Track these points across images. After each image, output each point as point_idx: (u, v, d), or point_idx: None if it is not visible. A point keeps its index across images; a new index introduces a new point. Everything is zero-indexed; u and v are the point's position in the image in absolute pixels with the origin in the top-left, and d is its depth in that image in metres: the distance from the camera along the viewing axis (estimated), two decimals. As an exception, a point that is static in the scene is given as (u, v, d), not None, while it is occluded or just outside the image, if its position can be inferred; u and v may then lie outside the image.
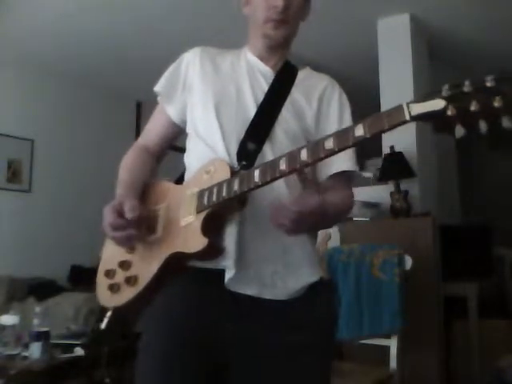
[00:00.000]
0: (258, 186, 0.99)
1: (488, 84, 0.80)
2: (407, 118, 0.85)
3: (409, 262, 2.47)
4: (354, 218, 3.11)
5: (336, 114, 1.23)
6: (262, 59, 1.25)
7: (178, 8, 3.39)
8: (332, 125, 1.20)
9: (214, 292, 1.07)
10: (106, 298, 1.14)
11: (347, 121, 1.23)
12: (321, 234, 2.80)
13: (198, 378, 1.05)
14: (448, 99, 0.82)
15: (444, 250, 2.98)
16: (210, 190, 1.05)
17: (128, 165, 1.31)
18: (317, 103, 1.22)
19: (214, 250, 1.03)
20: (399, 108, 0.86)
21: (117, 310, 1.13)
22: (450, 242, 3.16)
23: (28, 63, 4.21)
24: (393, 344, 2.34)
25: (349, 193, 1.24)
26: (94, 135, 4.82)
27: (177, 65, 1.31)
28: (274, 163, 0.97)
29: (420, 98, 0.85)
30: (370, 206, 3.17)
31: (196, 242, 1.02)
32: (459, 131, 0.82)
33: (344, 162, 1.20)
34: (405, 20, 3.55)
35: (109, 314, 1.14)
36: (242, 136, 1.13)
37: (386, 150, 3.28)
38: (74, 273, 4.23)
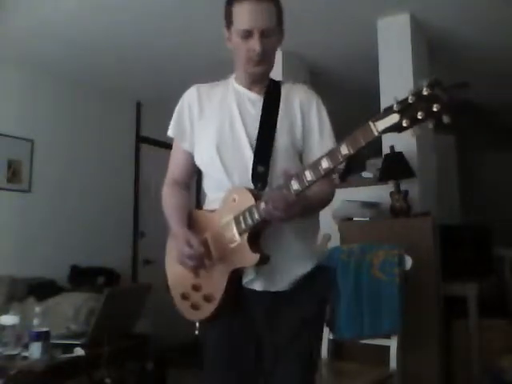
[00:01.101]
0: (266, 215, 1.26)
1: (424, 93, 1.02)
2: (376, 133, 1.09)
3: (409, 262, 2.47)
4: (354, 218, 3.11)
5: (316, 122, 1.44)
6: (248, 88, 1.46)
7: (178, 8, 3.38)
8: (315, 132, 1.43)
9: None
10: (192, 315, 1.44)
11: (326, 126, 1.45)
12: (321, 234, 2.80)
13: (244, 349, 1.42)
14: (400, 112, 1.06)
15: (444, 250, 2.98)
16: (243, 215, 1.32)
17: (173, 202, 1.53)
18: (300, 115, 1.43)
19: (264, 259, 1.31)
20: (367, 126, 1.10)
21: (202, 322, 1.44)
22: (450, 242, 3.16)
23: (28, 63, 4.21)
24: (393, 344, 2.35)
25: (329, 182, 1.44)
26: (94, 135, 4.82)
27: (180, 108, 1.52)
28: (287, 185, 1.23)
29: (379, 116, 1.08)
30: (369, 206, 3.17)
31: (250, 257, 1.31)
32: (416, 131, 1.08)
33: (323, 147, 1.35)
34: (405, 20, 3.55)
35: (197, 324, 1.45)
36: (242, 162, 1.37)
37: (386, 150, 3.28)
38: (73, 273, 4.23)
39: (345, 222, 3.12)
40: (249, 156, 1.38)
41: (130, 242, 5.09)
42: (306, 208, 1.29)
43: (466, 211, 5.32)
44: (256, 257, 1.30)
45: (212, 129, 1.42)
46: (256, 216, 1.28)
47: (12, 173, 4.12)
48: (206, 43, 3.83)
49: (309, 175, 1.21)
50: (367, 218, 3.08)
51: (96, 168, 4.79)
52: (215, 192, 1.43)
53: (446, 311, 2.91)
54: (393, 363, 2.31)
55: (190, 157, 1.51)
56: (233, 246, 1.35)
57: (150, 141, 5.36)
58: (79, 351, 2.36)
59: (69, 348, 2.37)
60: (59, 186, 4.45)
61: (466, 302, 3.03)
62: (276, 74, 4.47)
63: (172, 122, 1.53)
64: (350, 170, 3.72)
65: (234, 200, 1.34)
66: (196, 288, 1.42)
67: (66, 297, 3.53)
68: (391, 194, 3.10)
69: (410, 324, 2.54)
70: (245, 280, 1.37)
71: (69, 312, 3.24)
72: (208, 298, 1.39)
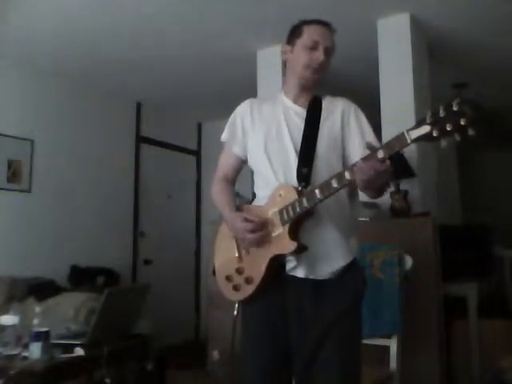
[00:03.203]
0: (320, 201, 1.44)
1: (455, 108, 1.18)
2: (409, 141, 1.27)
3: (409, 262, 2.47)
4: (354, 218, 3.10)
5: (355, 126, 1.64)
6: (295, 100, 1.69)
7: (178, 8, 3.39)
8: (355, 136, 1.62)
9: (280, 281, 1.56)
10: (233, 295, 1.64)
11: (366, 128, 1.64)
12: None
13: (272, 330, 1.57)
14: (431, 124, 1.22)
15: (444, 250, 2.98)
16: (286, 208, 1.51)
17: (224, 194, 1.74)
18: (340, 122, 1.63)
19: (301, 248, 1.48)
20: (402, 135, 1.27)
21: (242, 302, 1.64)
22: (450, 242, 3.16)
23: (28, 63, 4.21)
24: (393, 344, 2.35)
25: None
26: (94, 135, 4.82)
27: (233, 118, 1.76)
28: (328, 183, 1.42)
29: (413, 126, 1.25)
30: (369, 206, 3.16)
31: (289, 245, 1.49)
32: (443, 143, 1.22)
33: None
34: (405, 20, 3.54)
35: (236, 305, 1.68)
36: (287, 163, 1.58)
37: (386, 150, 3.28)
38: (73, 273, 4.23)
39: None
40: (293, 159, 1.58)
41: (130, 242, 5.09)
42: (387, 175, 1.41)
43: (466, 211, 5.32)
44: (294, 245, 1.48)
45: (261, 136, 1.65)
46: (298, 210, 1.47)
47: (12, 173, 4.12)
48: (206, 43, 3.84)
49: (347, 174, 1.40)
50: (367, 218, 3.08)
51: (96, 168, 4.79)
52: (264, 190, 1.63)
53: (446, 311, 2.91)
54: (393, 363, 2.31)
55: (238, 159, 1.76)
56: (275, 234, 1.53)
57: (150, 141, 5.36)
58: (79, 351, 2.35)
59: (69, 348, 2.36)
60: (59, 185, 4.45)
61: (466, 302, 3.03)
62: (276, 72, 4.46)
63: (226, 129, 1.76)
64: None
65: (280, 195, 1.54)
66: (239, 271, 1.62)
67: (66, 297, 3.53)
68: (391, 194, 3.09)
69: (410, 324, 2.54)
70: (288, 267, 1.54)
71: (69, 312, 3.24)
72: (249, 280, 1.58)
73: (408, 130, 1.26)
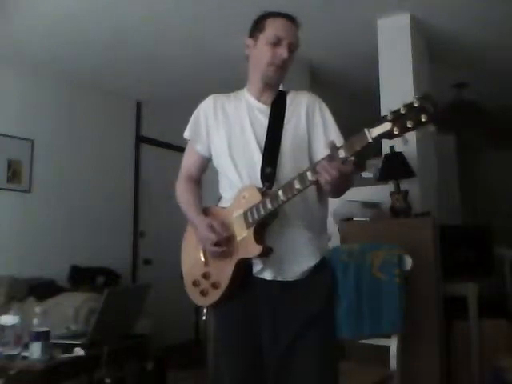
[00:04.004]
0: (284, 202, 1.39)
1: (415, 104, 1.18)
2: (370, 140, 1.23)
3: (409, 262, 2.47)
4: (354, 218, 3.11)
5: (320, 123, 1.58)
6: (258, 98, 1.62)
7: (177, 8, 3.39)
8: (320, 133, 1.56)
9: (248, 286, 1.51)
10: (200, 300, 1.59)
11: (330, 125, 1.58)
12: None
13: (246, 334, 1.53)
14: (392, 121, 1.20)
15: (444, 250, 2.98)
16: (250, 210, 1.45)
17: (188, 195, 1.67)
18: (305, 118, 1.57)
19: (267, 251, 1.44)
20: (363, 133, 1.23)
21: (210, 307, 1.60)
22: (450, 242, 3.16)
23: (28, 63, 4.21)
24: (393, 344, 2.34)
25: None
26: (94, 135, 4.82)
27: (196, 114, 1.69)
28: (291, 184, 1.37)
29: (374, 124, 1.22)
30: (370, 206, 3.17)
31: (254, 249, 1.44)
32: (404, 140, 1.22)
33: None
34: (405, 20, 3.55)
35: (205, 310, 1.61)
36: (251, 164, 1.52)
37: (386, 150, 3.28)
38: (73, 273, 4.23)
39: (345, 222, 3.12)
40: (257, 159, 1.52)
41: (130, 242, 5.09)
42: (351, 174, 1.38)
43: (466, 211, 5.32)
44: (259, 248, 1.43)
45: (225, 136, 1.59)
46: (262, 212, 1.42)
47: (12, 173, 4.12)
48: (206, 43, 3.83)
49: (309, 175, 1.35)
50: (367, 218, 3.08)
51: (96, 168, 4.79)
52: (229, 192, 1.58)
53: (446, 311, 2.91)
54: (393, 363, 2.31)
55: (202, 158, 1.69)
56: (240, 238, 1.48)
57: (150, 141, 5.36)
58: (79, 351, 2.35)
59: (69, 348, 2.36)
60: (59, 185, 4.46)
61: (466, 302, 3.03)
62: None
63: (188, 126, 1.70)
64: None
65: (244, 197, 1.49)
66: (206, 276, 1.57)
67: (66, 297, 3.53)
68: (391, 194, 3.10)
69: (410, 324, 2.54)
70: (255, 270, 1.50)
71: (69, 312, 3.24)
72: (216, 285, 1.54)
73: (369, 128, 1.23)
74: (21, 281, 3.74)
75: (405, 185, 3.11)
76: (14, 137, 4.13)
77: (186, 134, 1.71)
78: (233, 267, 1.49)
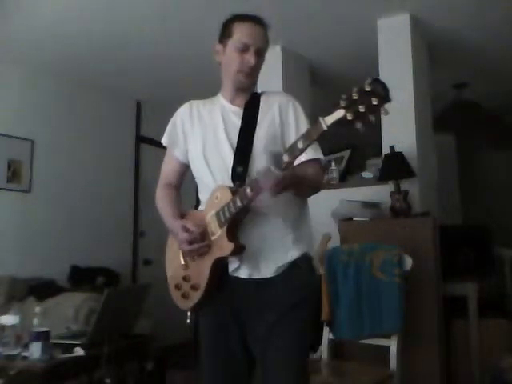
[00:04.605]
0: (252, 199, 1.39)
1: (367, 88, 1.13)
2: (324, 127, 1.20)
3: (409, 262, 2.47)
4: (354, 218, 3.11)
5: (293, 123, 1.58)
6: (232, 101, 1.63)
7: (177, 8, 3.38)
8: (292, 134, 1.55)
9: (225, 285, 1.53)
10: (183, 303, 1.61)
11: (301, 125, 1.56)
12: (319, 232, 2.80)
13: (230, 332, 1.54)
14: (345, 108, 1.15)
15: (444, 250, 2.98)
16: (222, 209, 1.46)
17: (166, 201, 1.72)
18: (278, 118, 1.57)
19: (239, 248, 1.45)
20: (319, 122, 1.21)
21: (192, 309, 1.60)
22: (450, 242, 3.16)
23: (28, 63, 4.21)
24: (393, 344, 2.35)
25: (318, 167, 1.57)
26: (94, 135, 4.82)
27: (173, 120, 1.70)
28: (256, 180, 1.35)
29: (329, 112, 1.19)
30: (370, 206, 3.17)
31: (227, 247, 1.45)
32: (358, 125, 1.16)
33: (309, 154, 1.49)
34: (405, 20, 3.55)
35: (189, 313, 1.62)
36: (225, 165, 1.53)
37: (386, 150, 3.28)
38: (73, 273, 4.23)
39: (345, 221, 3.12)
40: (230, 160, 1.53)
41: (130, 242, 5.09)
42: (296, 183, 1.41)
43: (466, 211, 5.32)
44: (231, 246, 1.44)
45: (199, 141, 1.61)
46: (232, 210, 1.43)
47: (12, 173, 4.12)
48: (205, 43, 3.83)
49: (274, 170, 1.31)
50: (367, 218, 3.08)
51: (96, 168, 4.79)
52: (205, 195, 1.60)
53: (446, 311, 2.91)
54: (393, 363, 2.31)
55: (180, 163, 1.71)
56: (214, 238, 1.50)
57: (150, 141, 5.35)
58: (79, 351, 2.35)
59: (69, 348, 2.37)
60: (59, 186, 4.45)
61: (466, 301, 3.03)
62: (276, 73, 4.49)
63: (166, 132, 1.71)
64: (349, 171, 3.73)
65: (217, 198, 1.50)
66: (186, 279, 1.59)
67: (66, 297, 3.53)
68: (391, 194, 3.09)
69: (410, 324, 2.54)
70: (231, 268, 1.51)
71: (69, 312, 3.24)
72: (195, 287, 1.55)
73: (323, 117, 1.21)
74: (21, 281, 3.74)
75: (405, 185, 3.11)
76: (14, 137, 4.13)
77: (164, 141, 1.72)
78: (209, 268, 1.50)
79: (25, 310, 3.01)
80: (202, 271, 1.52)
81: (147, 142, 5.34)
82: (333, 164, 3.70)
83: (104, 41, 3.85)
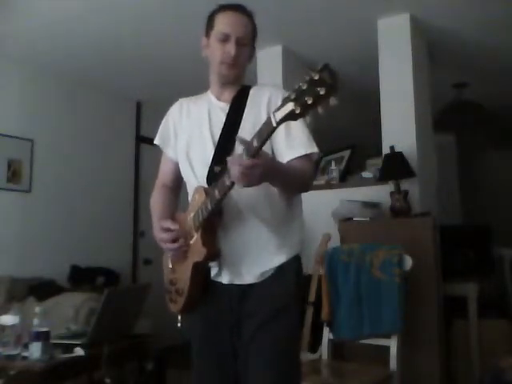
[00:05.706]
0: (219, 201, 1.32)
1: (315, 77, 1.01)
2: (274, 124, 1.09)
3: (409, 262, 2.47)
4: (354, 218, 3.11)
5: None
6: (218, 96, 1.56)
7: (177, 8, 3.38)
8: (280, 129, 1.41)
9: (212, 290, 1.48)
10: (172, 307, 1.56)
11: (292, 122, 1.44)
12: (319, 233, 2.80)
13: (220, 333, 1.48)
14: (294, 100, 1.04)
15: (444, 250, 2.98)
16: (197, 212, 1.40)
17: (157, 202, 1.66)
18: (266, 110, 1.44)
19: (212, 253, 1.38)
20: (269, 119, 1.11)
21: (180, 312, 1.54)
22: (450, 242, 3.16)
23: (28, 63, 4.21)
24: (393, 344, 2.35)
25: (306, 165, 1.43)
26: (94, 135, 4.82)
27: (165, 120, 1.68)
28: (223, 182, 1.27)
29: (278, 106, 1.09)
30: (370, 206, 3.17)
31: (201, 252, 1.38)
32: (308, 120, 1.07)
33: (295, 149, 1.42)
34: (405, 20, 3.54)
35: (179, 317, 1.57)
36: (207, 164, 1.44)
37: (386, 150, 3.28)
38: (73, 273, 4.23)
39: (345, 221, 3.12)
40: (211, 158, 1.46)
41: (130, 242, 5.08)
42: (279, 177, 1.30)
43: (466, 211, 5.32)
44: (204, 251, 1.37)
45: (184, 140, 1.56)
46: (204, 212, 1.36)
47: (12, 173, 4.12)
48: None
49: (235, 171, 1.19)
50: (367, 218, 3.08)
51: (96, 168, 4.79)
52: (190, 196, 1.54)
53: (446, 311, 2.91)
54: (393, 363, 2.31)
55: (174, 163, 1.64)
56: (191, 241, 1.44)
57: (150, 141, 5.32)
58: (79, 351, 2.35)
59: (69, 348, 2.37)
60: (59, 185, 4.45)
61: (466, 302, 3.03)
62: (276, 72, 4.48)
63: (158, 133, 1.69)
64: (349, 171, 3.73)
65: (195, 199, 1.45)
66: (172, 283, 1.54)
67: (66, 297, 3.53)
68: (391, 194, 3.09)
69: (410, 324, 2.54)
70: (212, 273, 1.46)
71: (69, 312, 3.24)
72: (179, 292, 1.50)
73: (274, 112, 1.10)
74: (21, 281, 3.74)
75: (405, 185, 3.11)
76: (14, 137, 4.13)
77: (156, 141, 1.70)
78: (189, 272, 1.44)
79: (25, 310, 3.01)
80: (185, 275, 1.47)
81: (147, 142, 5.34)
82: (333, 164, 3.70)
83: (104, 41, 3.85)
